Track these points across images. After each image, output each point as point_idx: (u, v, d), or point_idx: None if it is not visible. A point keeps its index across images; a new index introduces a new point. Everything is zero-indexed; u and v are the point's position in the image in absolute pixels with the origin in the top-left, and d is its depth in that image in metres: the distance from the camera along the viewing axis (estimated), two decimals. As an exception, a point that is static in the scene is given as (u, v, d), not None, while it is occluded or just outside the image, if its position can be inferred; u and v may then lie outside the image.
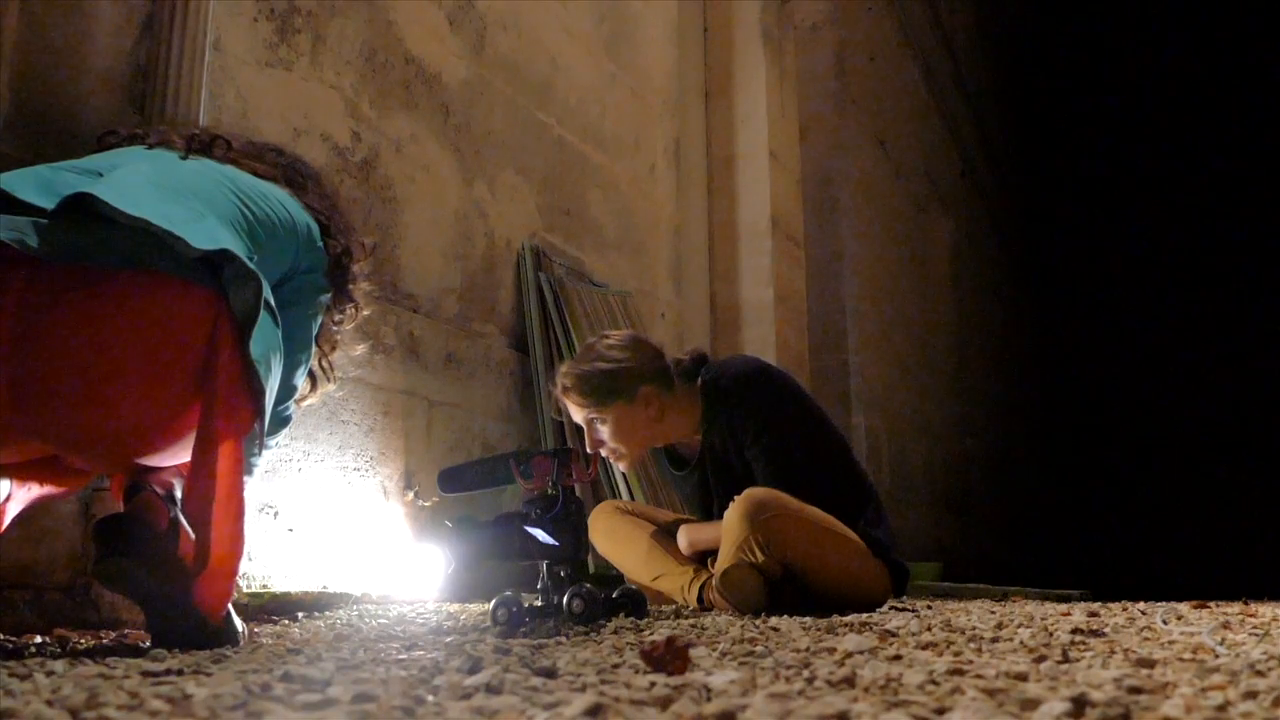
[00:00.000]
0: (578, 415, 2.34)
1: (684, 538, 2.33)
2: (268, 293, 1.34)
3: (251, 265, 1.31)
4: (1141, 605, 2.34)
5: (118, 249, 1.27)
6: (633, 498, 3.04)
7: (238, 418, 1.32)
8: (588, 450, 2.32)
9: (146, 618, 1.39)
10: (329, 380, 1.82)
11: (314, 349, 1.69)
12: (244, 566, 2.10)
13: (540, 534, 1.77)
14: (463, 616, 1.99)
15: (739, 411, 2.27)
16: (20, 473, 1.41)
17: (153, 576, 1.29)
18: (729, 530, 2.10)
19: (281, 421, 1.66)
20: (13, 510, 1.42)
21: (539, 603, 1.80)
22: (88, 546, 1.66)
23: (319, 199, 1.71)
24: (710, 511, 2.39)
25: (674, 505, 3.07)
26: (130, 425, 1.31)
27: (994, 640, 1.33)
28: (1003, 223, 9.97)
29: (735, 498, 2.13)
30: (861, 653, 1.13)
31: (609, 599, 1.82)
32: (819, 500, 2.16)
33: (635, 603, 1.85)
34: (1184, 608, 2.12)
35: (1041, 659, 1.07)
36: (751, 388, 2.29)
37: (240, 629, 1.41)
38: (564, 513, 1.80)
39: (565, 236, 3.55)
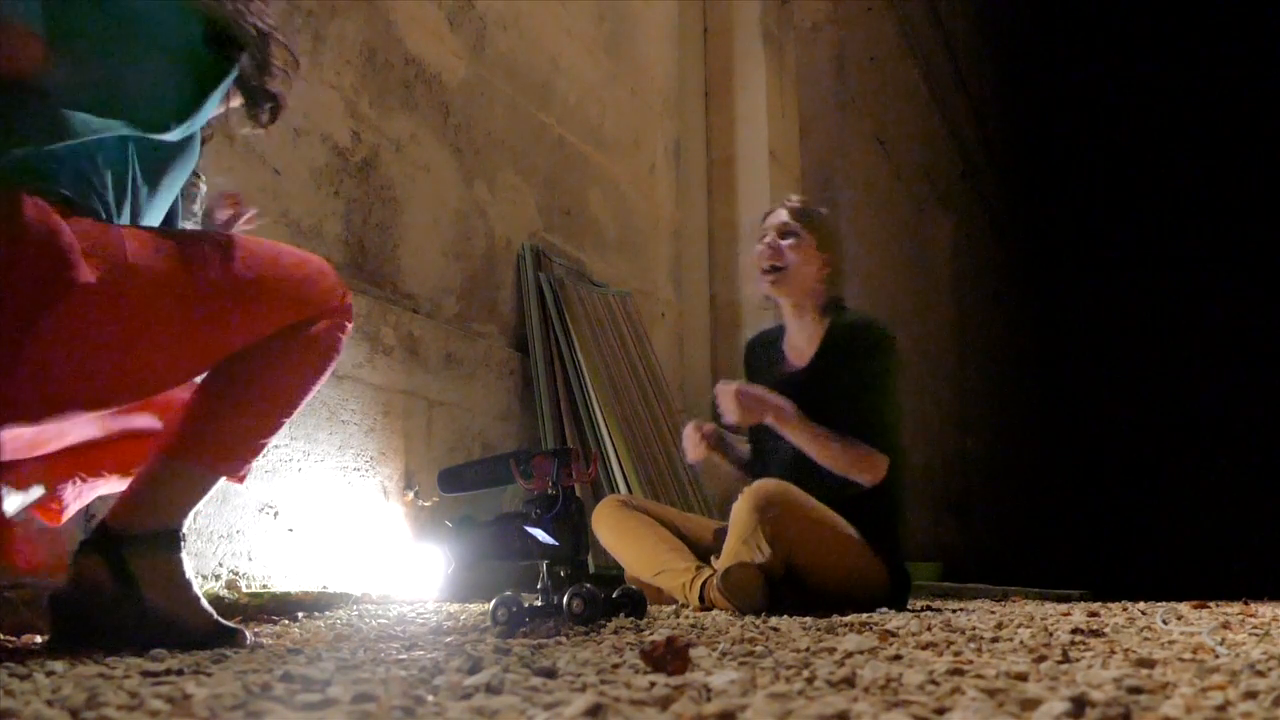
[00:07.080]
0: (781, 228, 2.48)
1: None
2: None
3: None
4: (1141, 605, 2.34)
5: None
6: (632, 494, 3.04)
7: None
8: (759, 250, 2.48)
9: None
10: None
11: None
12: (244, 566, 2.10)
13: (540, 534, 1.77)
14: (463, 616, 1.99)
15: (871, 352, 2.38)
16: (59, 466, 1.39)
17: (119, 639, 1.24)
18: (737, 521, 2.13)
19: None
20: (74, 505, 1.42)
21: (539, 603, 1.80)
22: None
23: None
24: (758, 439, 2.48)
25: (675, 503, 3.07)
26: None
27: (994, 640, 1.33)
28: (1003, 223, 9.97)
29: (744, 489, 2.17)
30: (861, 653, 1.13)
31: (609, 599, 1.82)
32: (893, 472, 2.28)
33: (635, 603, 1.85)
34: (1184, 608, 2.12)
35: (1041, 659, 1.06)
36: (887, 344, 2.43)
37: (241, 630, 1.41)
38: (564, 513, 1.80)
39: (565, 236, 3.55)
